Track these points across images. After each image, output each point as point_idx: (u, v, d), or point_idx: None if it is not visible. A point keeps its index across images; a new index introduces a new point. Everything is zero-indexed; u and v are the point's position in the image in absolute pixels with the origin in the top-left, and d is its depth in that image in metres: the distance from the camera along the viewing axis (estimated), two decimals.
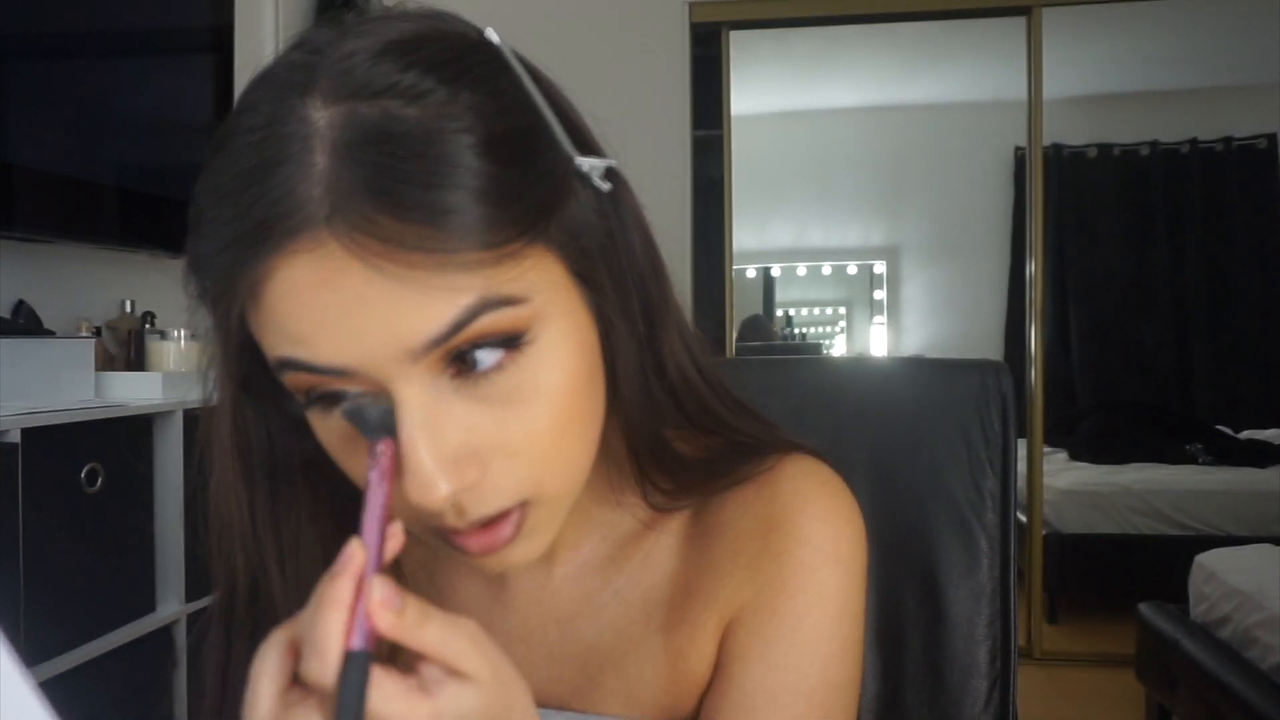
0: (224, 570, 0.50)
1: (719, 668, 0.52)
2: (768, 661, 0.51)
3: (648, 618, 0.54)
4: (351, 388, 0.41)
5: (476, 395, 0.41)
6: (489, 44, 0.44)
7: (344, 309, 0.39)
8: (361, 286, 0.38)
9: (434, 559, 0.59)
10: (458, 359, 0.41)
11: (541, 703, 0.55)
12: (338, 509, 0.51)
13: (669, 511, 0.55)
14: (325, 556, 0.44)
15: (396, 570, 0.57)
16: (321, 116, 0.39)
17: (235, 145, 0.41)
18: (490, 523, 0.44)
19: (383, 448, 0.41)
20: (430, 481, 0.40)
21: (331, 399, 0.42)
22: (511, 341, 0.41)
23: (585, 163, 0.45)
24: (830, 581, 0.52)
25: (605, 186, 0.46)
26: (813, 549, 0.52)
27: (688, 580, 0.54)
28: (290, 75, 0.41)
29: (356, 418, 0.42)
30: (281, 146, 0.39)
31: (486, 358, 0.41)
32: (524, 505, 0.44)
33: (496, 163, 0.39)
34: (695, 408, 0.52)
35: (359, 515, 0.39)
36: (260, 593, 0.50)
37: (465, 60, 0.42)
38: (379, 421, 0.41)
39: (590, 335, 0.46)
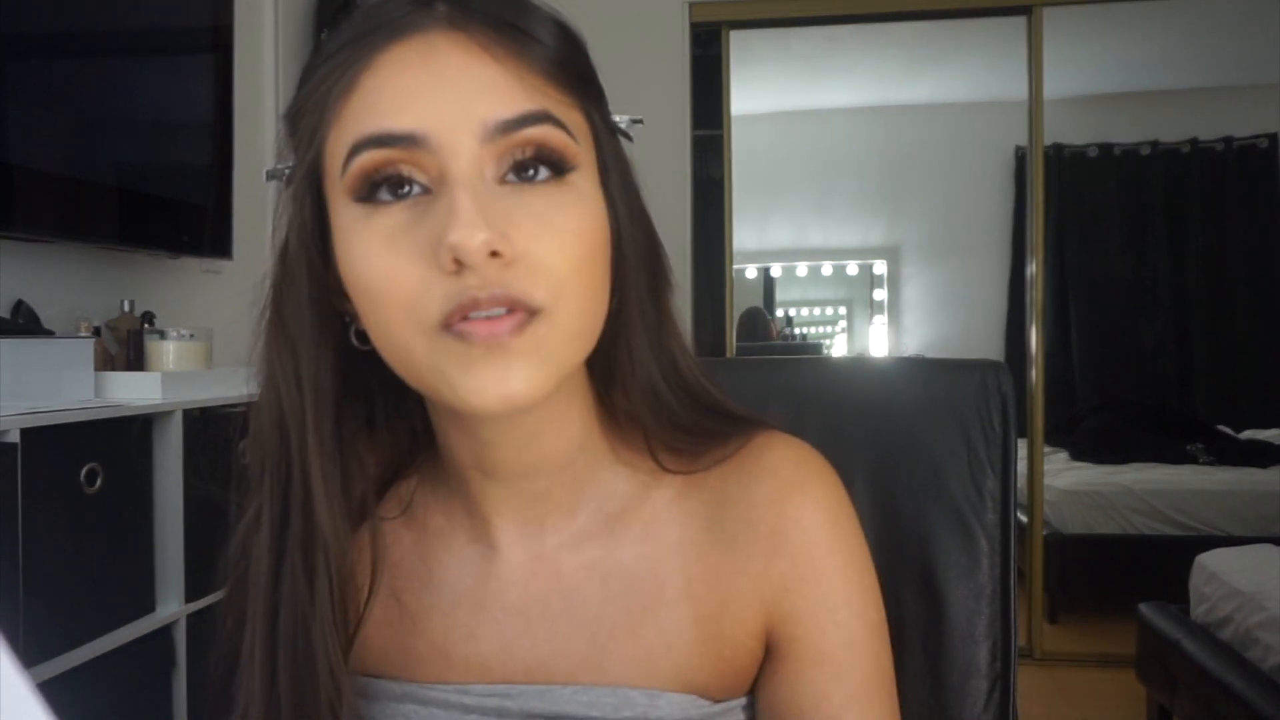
0: (276, 488, 0.52)
1: (778, 661, 0.55)
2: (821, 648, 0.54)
3: (660, 586, 0.55)
4: (416, 171, 0.46)
5: (520, 202, 0.47)
6: None
7: (437, 81, 0.46)
8: (460, 67, 0.46)
9: (425, 541, 0.58)
10: (513, 169, 0.47)
11: (547, 678, 0.54)
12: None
13: (671, 473, 0.57)
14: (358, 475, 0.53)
15: (382, 560, 0.56)
16: None
17: (352, 17, 0.48)
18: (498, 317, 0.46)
19: None
20: (473, 223, 0.43)
21: (390, 188, 0.46)
22: (559, 167, 0.48)
23: (617, 116, 0.53)
24: (853, 538, 0.57)
25: (632, 136, 0.54)
26: (826, 519, 0.56)
27: (704, 554, 0.55)
28: None
29: None
30: None
31: (534, 176, 0.47)
32: (533, 314, 0.46)
33: (566, 36, 0.50)
34: (689, 375, 0.56)
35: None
36: (309, 512, 0.52)
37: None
38: None
39: (606, 235, 0.50)
